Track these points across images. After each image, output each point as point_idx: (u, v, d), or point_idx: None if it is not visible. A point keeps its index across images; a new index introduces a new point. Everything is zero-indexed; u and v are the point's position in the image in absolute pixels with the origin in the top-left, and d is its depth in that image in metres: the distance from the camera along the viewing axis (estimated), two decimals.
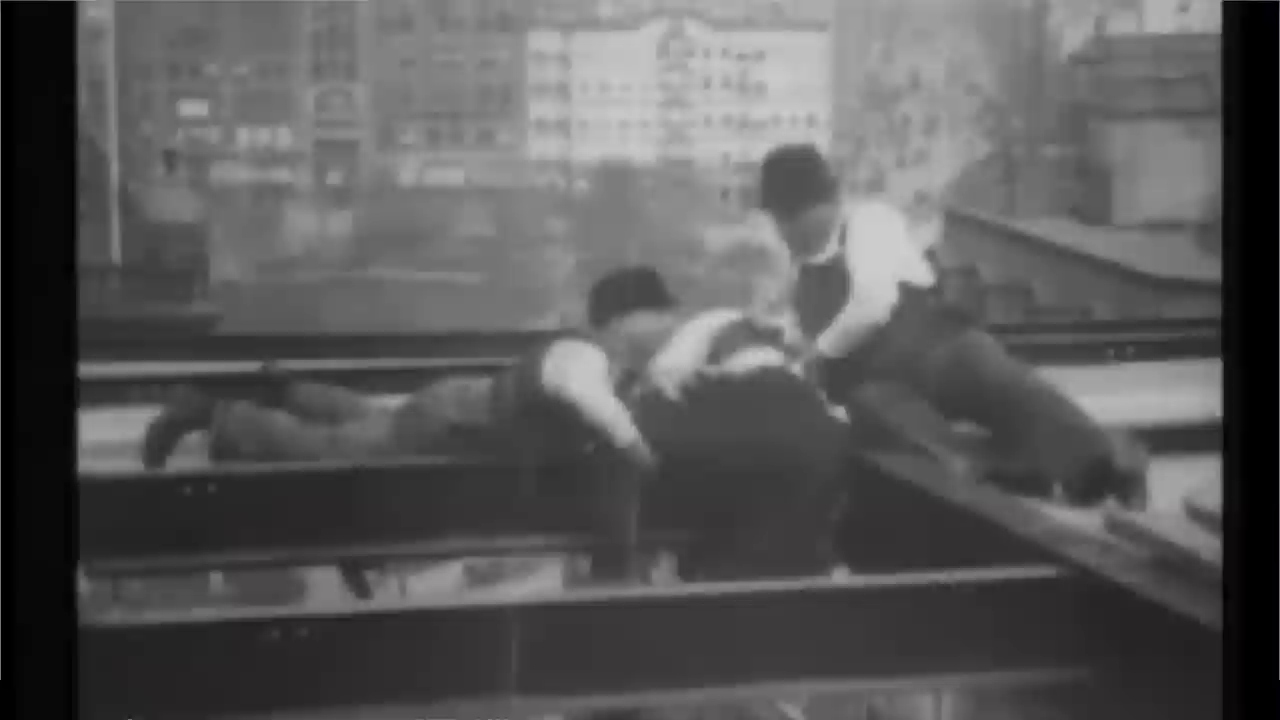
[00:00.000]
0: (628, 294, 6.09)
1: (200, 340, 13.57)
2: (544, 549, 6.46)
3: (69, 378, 3.13)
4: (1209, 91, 31.40)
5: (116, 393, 6.59)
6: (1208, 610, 4.06)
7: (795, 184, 6.30)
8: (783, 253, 6.54)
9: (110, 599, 7.88)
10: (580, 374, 5.64)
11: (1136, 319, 17.60)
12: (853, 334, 6.06)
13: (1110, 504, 5.21)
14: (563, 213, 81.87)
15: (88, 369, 3.71)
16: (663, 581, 6.24)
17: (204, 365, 7.19)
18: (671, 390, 5.87)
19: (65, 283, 3.11)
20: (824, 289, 6.18)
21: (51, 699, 3.11)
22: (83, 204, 5.03)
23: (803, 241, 6.28)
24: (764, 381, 5.88)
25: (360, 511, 5.56)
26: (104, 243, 29.62)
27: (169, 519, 5.38)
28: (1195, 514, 4.61)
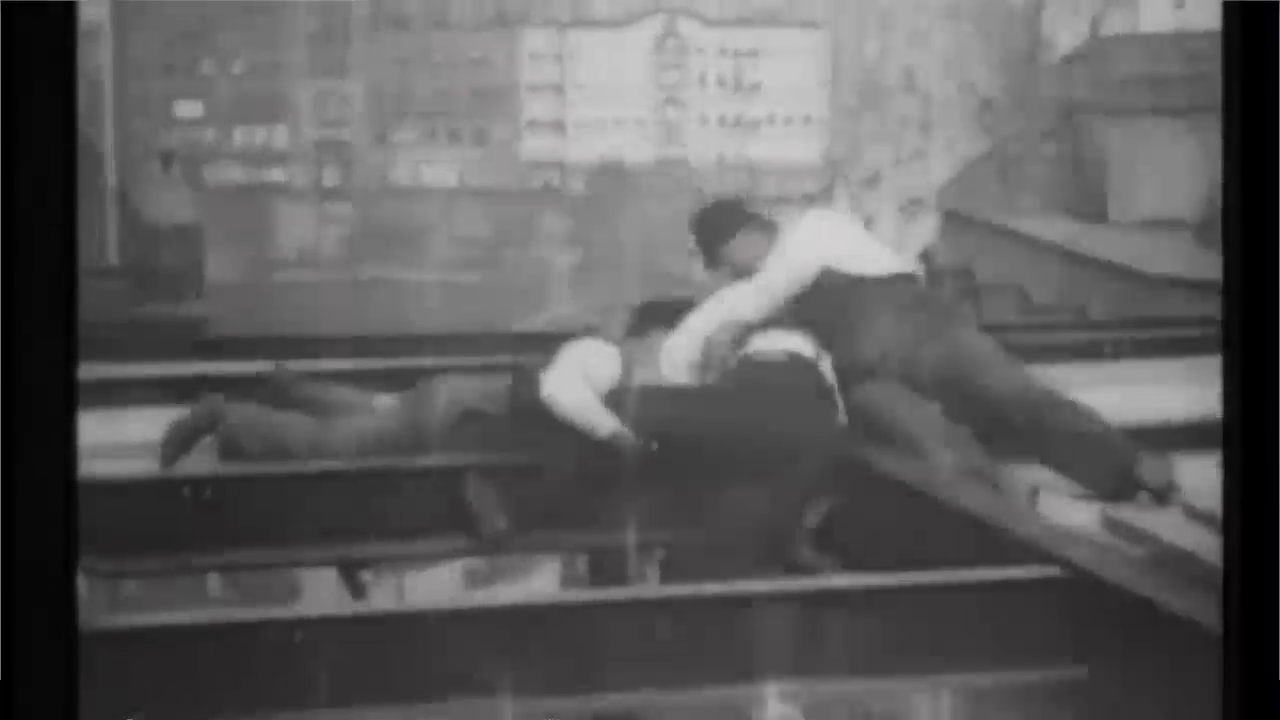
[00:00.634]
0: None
1: (197, 341, 13.56)
2: (541, 549, 6.47)
3: (69, 378, 3.13)
4: (1206, 89, 31.44)
5: (114, 393, 6.59)
6: (1205, 609, 4.06)
7: (710, 227, 6.49)
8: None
9: (107, 600, 7.87)
10: (553, 377, 5.79)
11: (1132, 317, 17.59)
12: (764, 293, 6.12)
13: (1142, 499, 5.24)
14: (558, 212, 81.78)
15: (84, 370, 3.71)
16: (660, 582, 6.25)
17: (201, 366, 7.18)
18: (694, 358, 5.94)
19: (65, 283, 3.10)
20: (815, 301, 6.20)
21: (51, 700, 3.11)
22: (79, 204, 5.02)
23: (733, 269, 6.36)
24: (789, 368, 5.90)
25: (356, 513, 5.57)
26: (100, 243, 29.59)
27: (165, 520, 5.39)
28: (1192, 513, 4.62)
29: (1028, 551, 4.80)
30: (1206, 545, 4.31)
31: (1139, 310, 24.22)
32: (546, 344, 6.28)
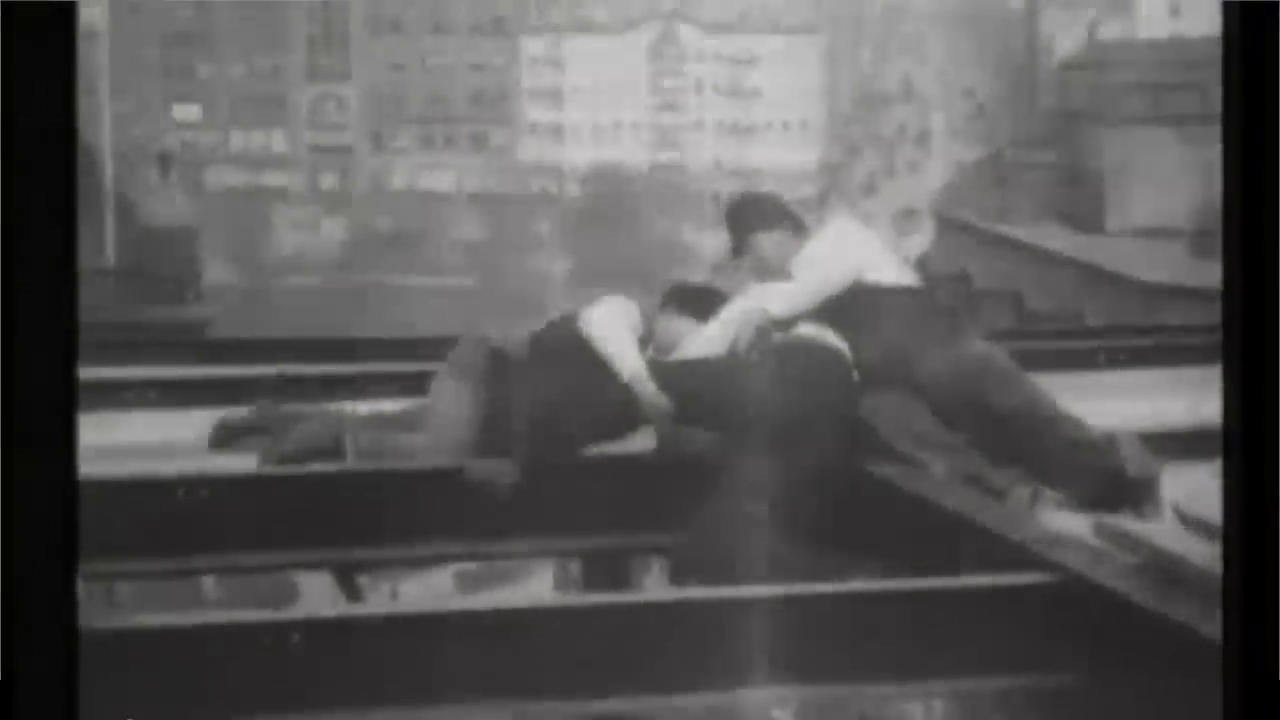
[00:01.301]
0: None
1: (196, 344, 13.56)
2: (536, 553, 6.47)
3: (68, 380, 3.14)
4: (1202, 97, 31.45)
5: (111, 396, 6.59)
6: (1199, 616, 4.07)
7: (746, 215, 6.55)
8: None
9: (104, 602, 7.88)
10: (601, 314, 6.04)
11: (1128, 325, 17.63)
12: (797, 295, 6.15)
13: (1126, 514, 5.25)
14: (555, 217, 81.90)
15: (82, 372, 3.71)
16: (655, 586, 6.25)
17: (199, 369, 7.20)
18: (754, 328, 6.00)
19: (65, 285, 3.11)
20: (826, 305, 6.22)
21: (50, 701, 3.12)
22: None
23: (756, 261, 6.39)
24: (816, 348, 5.93)
25: (352, 516, 5.57)
26: (98, 246, 29.59)
27: (162, 522, 5.39)
28: (1186, 520, 4.62)
29: (1023, 557, 4.80)
30: (1201, 552, 4.31)
31: (1135, 317, 24.26)
32: None
